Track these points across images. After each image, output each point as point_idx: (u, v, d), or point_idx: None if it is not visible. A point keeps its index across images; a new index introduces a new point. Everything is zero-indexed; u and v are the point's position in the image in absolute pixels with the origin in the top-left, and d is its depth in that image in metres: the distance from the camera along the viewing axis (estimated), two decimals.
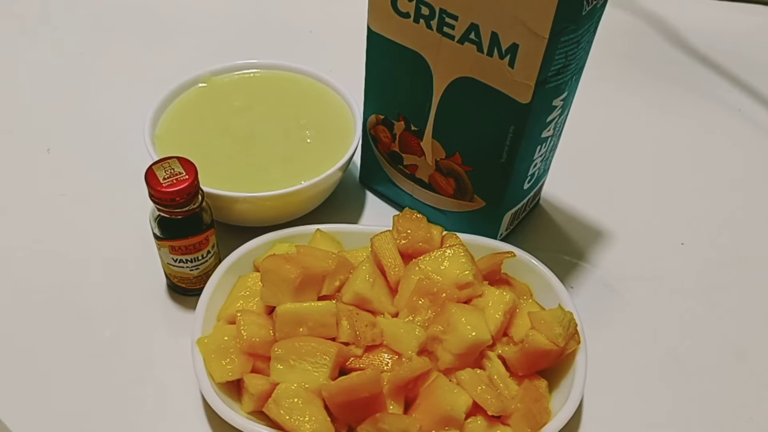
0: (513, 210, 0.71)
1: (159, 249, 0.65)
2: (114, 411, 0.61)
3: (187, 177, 0.60)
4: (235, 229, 0.72)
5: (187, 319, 0.66)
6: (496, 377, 0.59)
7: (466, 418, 0.56)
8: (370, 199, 0.79)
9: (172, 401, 0.62)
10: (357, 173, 0.81)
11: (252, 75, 0.79)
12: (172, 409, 0.62)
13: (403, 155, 0.72)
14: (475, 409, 0.56)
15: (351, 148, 0.71)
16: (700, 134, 0.91)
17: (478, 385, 0.56)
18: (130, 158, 0.74)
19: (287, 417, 0.55)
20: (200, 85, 0.77)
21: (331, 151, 0.72)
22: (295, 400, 0.55)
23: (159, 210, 0.61)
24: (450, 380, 0.57)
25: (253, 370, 0.59)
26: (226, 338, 0.59)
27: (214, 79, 0.78)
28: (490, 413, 0.55)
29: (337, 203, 0.77)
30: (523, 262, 0.67)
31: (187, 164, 0.61)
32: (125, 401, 0.62)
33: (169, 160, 0.61)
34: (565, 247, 0.76)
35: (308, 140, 0.73)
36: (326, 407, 0.56)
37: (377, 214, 0.78)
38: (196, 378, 0.58)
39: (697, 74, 0.99)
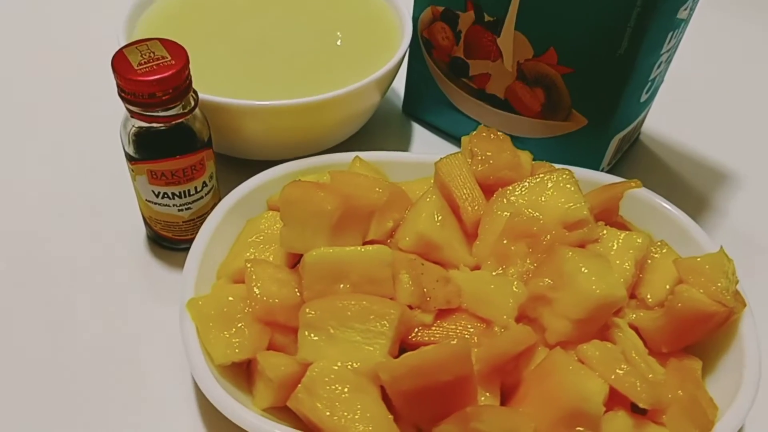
0: (623, 133, 0.52)
1: (134, 179, 0.46)
2: (74, 407, 0.43)
3: (173, 62, 0.41)
4: (241, 164, 0.53)
5: (174, 282, 0.48)
6: (633, 354, 0.39)
7: None
8: (418, 132, 0.61)
9: (154, 393, 0.44)
10: (399, 103, 0.62)
11: None
12: (152, 404, 0.44)
13: (469, 62, 0.54)
14: (610, 401, 0.37)
15: (397, 52, 0.53)
16: None
17: (617, 365, 0.37)
18: (96, 77, 0.55)
19: (327, 413, 0.36)
20: None
21: (369, 57, 0.54)
22: (339, 387, 0.37)
23: (132, 113, 0.42)
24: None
25: (271, 346, 0.41)
26: (230, 299, 0.40)
27: None
28: (641, 405, 0.36)
29: (373, 138, 0.59)
30: (646, 203, 0.49)
31: (173, 48, 0.42)
32: (88, 394, 0.44)
33: (147, 42, 0.42)
34: (682, 191, 0.57)
35: (338, 42, 0.55)
36: (385, 398, 0.37)
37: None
38: (186, 359, 0.38)
39: None
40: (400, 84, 0.61)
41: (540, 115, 0.52)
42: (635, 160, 0.59)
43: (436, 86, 0.57)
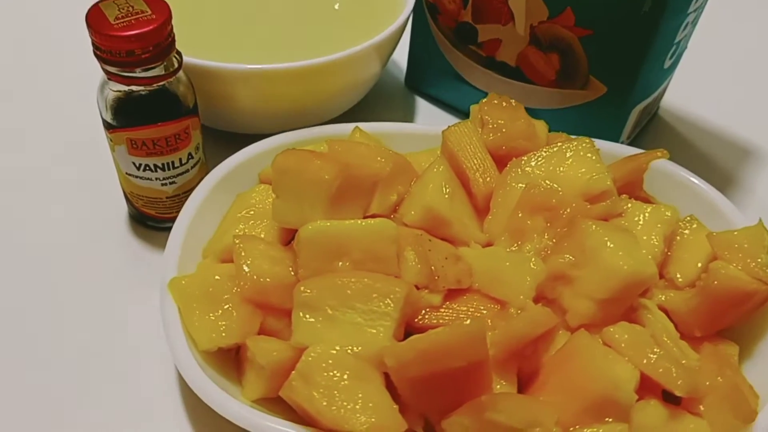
0: (644, 103, 0.48)
1: (113, 150, 0.42)
2: (52, 395, 0.39)
3: (153, 17, 0.37)
4: (230, 138, 0.49)
5: (158, 264, 0.43)
6: (665, 338, 0.35)
7: None
8: (422, 106, 0.58)
9: (134, 383, 0.40)
10: (401, 76, 0.58)
11: None
12: (133, 394, 0.40)
13: (477, 27, 0.50)
14: (640, 389, 0.33)
15: (399, 17, 0.49)
16: None
17: (648, 349, 0.33)
18: (72, 38, 0.51)
19: (324, 403, 0.32)
20: None
21: (369, 22, 0.51)
22: (337, 373, 0.33)
23: (109, 75, 0.38)
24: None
25: (262, 331, 0.37)
26: (217, 278, 0.37)
27: None
28: (677, 394, 0.32)
29: (373, 113, 0.56)
30: (670, 176, 0.45)
31: (154, 2, 0.38)
32: (64, 382, 0.40)
33: None
34: (705, 167, 0.53)
35: (336, 6, 0.51)
36: (389, 385, 0.34)
37: None
38: (167, 345, 0.35)
39: None
40: (402, 56, 0.57)
41: (555, 84, 0.48)
42: (654, 135, 0.55)
43: (441, 55, 0.53)
